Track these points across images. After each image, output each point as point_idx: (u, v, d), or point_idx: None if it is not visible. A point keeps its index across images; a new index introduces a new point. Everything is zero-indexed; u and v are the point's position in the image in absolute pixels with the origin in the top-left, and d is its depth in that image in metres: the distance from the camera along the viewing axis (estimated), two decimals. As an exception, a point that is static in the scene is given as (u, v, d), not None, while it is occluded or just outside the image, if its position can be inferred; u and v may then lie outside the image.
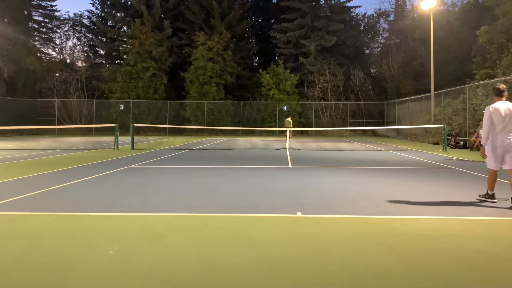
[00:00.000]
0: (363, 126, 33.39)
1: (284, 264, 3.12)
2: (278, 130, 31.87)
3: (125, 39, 36.86)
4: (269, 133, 33.53)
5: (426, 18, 26.93)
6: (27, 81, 35.78)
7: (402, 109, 28.72)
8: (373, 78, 38.18)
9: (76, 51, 43.23)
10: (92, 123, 32.40)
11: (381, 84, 36.28)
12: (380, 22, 45.01)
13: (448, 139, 16.90)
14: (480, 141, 15.87)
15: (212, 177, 7.93)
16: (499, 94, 5.42)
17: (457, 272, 2.97)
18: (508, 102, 5.35)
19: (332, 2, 40.13)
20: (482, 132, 5.48)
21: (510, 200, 5.35)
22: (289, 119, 26.10)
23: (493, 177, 5.49)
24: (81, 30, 44.10)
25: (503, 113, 5.25)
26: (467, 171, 8.98)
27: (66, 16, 46.56)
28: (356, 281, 2.78)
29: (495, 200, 5.50)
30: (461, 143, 17.68)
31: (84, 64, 39.70)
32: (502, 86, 5.42)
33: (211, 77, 34.93)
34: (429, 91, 23.75)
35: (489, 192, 5.58)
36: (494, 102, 5.47)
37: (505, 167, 5.37)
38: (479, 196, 5.75)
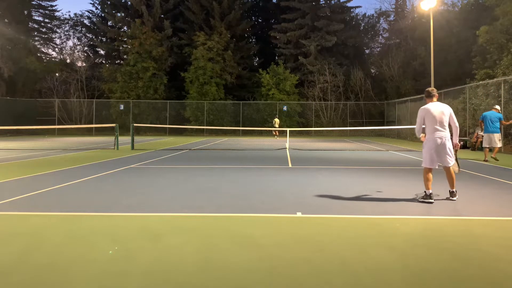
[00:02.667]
0: (363, 126, 33.39)
1: (284, 264, 3.12)
2: (277, 130, 31.85)
3: (125, 39, 36.84)
4: (268, 133, 33.50)
5: (426, 18, 26.94)
6: (27, 81, 35.78)
7: (402, 109, 28.71)
8: (373, 78, 38.18)
9: (76, 51, 43.30)
10: (92, 123, 32.40)
11: (381, 84, 36.29)
12: (380, 22, 45.07)
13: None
14: (480, 141, 15.97)
15: (212, 177, 7.92)
16: (428, 96, 5.77)
17: (457, 272, 2.97)
18: (439, 103, 5.67)
19: (332, 2, 40.17)
20: (415, 129, 5.89)
21: (431, 194, 5.50)
22: (276, 119, 27.70)
23: (429, 175, 5.62)
24: (81, 30, 44.15)
25: (433, 114, 5.57)
26: (467, 171, 8.98)
27: (67, 16, 46.69)
28: (356, 281, 2.78)
29: (432, 201, 5.43)
30: (461, 143, 17.69)
31: (84, 64, 39.72)
32: (431, 89, 5.81)
33: (211, 77, 34.93)
34: (429, 91, 23.70)
35: (426, 192, 5.53)
36: (427, 103, 5.78)
37: (442, 164, 5.65)
38: (418, 198, 5.71)
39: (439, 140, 5.54)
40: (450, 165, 5.58)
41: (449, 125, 5.66)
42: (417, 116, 5.78)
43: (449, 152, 5.57)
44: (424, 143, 5.75)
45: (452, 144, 5.65)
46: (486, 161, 11.31)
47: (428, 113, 5.62)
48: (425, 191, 5.56)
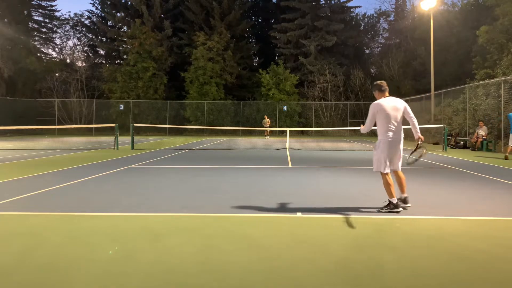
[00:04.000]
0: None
1: (284, 264, 3.12)
2: (278, 130, 31.88)
3: (125, 39, 36.87)
4: (269, 134, 33.49)
5: (426, 18, 26.94)
6: (27, 81, 35.79)
7: (402, 109, 28.67)
8: (373, 78, 38.13)
9: (76, 51, 43.30)
10: (92, 123, 32.38)
11: (381, 84, 36.25)
12: (380, 22, 45.17)
13: (448, 139, 16.90)
14: (481, 141, 15.92)
15: (212, 177, 7.92)
16: (380, 90, 5.05)
17: (457, 272, 2.97)
18: (392, 98, 5.02)
19: (332, 2, 40.19)
20: (364, 127, 5.19)
21: (397, 201, 4.93)
22: (267, 119, 28.67)
23: (390, 181, 4.92)
24: (81, 30, 44.15)
25: (387, 110, 4.88)
26: (467, 171, 8.98)
27: (67, 16, 46.67)
28: (356, 281, 2.78)
29: (401, 209, 4.87)
30: (461, 143, 17.68)
31: (84, 64, 39.73)
32: (381, 82, 5.12)
33: (211, 77, 34.94)
34: (429, 91, 23.75)
35: (393, 201, 4.88)
36: (378, 99, 5.07)
37: (392, 167, 5.00)
38: (381, 209, 4.99)
39: (392, 142, 4.90)
40: (399, 168, 5.01)
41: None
42: (368, 113, 5.06)
43: (401, 155, 5.00)
44: (376, 145, 5.03)
45: (416, 139, 5.05)
46: (507, 158, 11.77)
47: (381, 109, 4.89)
48: (389, 200, 4.92)
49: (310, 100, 35.77)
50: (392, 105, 4.92)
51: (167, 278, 2.83)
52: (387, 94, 5.07)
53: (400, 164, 5.01)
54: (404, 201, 4.99)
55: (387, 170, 4.92)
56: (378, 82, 5.14)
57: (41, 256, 3.29)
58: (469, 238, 3.83)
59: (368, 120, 5.07)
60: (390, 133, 4.90)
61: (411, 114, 4.96)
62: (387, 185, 4.90)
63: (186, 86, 35.87)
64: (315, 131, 33.54)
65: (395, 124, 4.90)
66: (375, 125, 5.11)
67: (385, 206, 4.96)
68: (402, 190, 5.03)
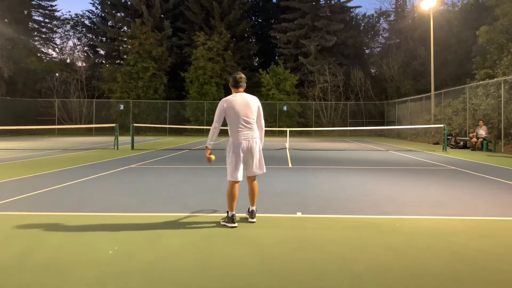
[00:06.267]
0: (363, 126, 33.39)
1: (284, 264, 3.12)
2: (278, 130, 31.88)
3: (125, 39, 36.87)
4: (268, 133, 33.49)
5: (426, 18, 26.96)
6: (27, 81, 35.79)
7: (402, 109, 28.73)
8: (373, 78, 38.21)
9: (76, 51, 43.30)
10: (92, 123, 32.38)
11: (381, 84, 36.31)
12: (380, 22, 45.15)
13: (448, 139, 16.90)
14: (481, 141, 15.86)
15: (212, 177, 7.92)
16: (235, 85, 4.38)
17: (457, 272, 2.97)
18: (245, 94, 4.39)
19: (332, 2, 40.19)
20: (211, 130, 4.43)
21: (247, 214, 4.52)
22: None
23: (235, 191, 4.32)
24: (81, 30, 44.16)
25: (238, 108, 4.26)
26: (467, 171, 8.98)
27: (67, 16, 46.68)
28: (356, 281, 2.78)
29: (235, 225, 4.21)
30: (461, 143, 17.68)
31: (84, 64, 39.73)
32: (239, 77, 4.38)
33: (211, 77, 34.94)
34: (429, 91, 23.76)
35: (229, 214, 4.27)
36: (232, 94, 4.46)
37: (247, 173, 4.43)
38: (221, 221, 4.36)
39: (245, 143, 4.30)
40: (259, 174, 4.44)
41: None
42: (216, 110, 4.37)
43: (260, 157, 4.42)
44: (227, 150, 4.41)
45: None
46: None
47: (231, 106, 4.26)
48: (227, 212, 4.30)
49: (310, 100, 35.77)
50: (243, 102, 4.30)
51: (167, 278, 2.83)
52: (241, 90, 4.40)
53: (258, 170, 4.41)
54: (252, 214, 4.43)
55: (234, 178, 4.31)
56: (235, 74, 4.42)
57: (41, 256, 3.29)
58: (469, 238, 3.83)
59: (215, 119, 4.36)
60: (240, 135, 4.30)
61: (262, 119, 4.48)
62: (228, 196, 4.32)
63: (186, 86, 35.87)
64: (315, 131, 33.54)
65: (246, 123, 4.30)
66: (225, 126, 4.40)
67: (223, 219, 4.36)
68: (252, 202, 4.46)
